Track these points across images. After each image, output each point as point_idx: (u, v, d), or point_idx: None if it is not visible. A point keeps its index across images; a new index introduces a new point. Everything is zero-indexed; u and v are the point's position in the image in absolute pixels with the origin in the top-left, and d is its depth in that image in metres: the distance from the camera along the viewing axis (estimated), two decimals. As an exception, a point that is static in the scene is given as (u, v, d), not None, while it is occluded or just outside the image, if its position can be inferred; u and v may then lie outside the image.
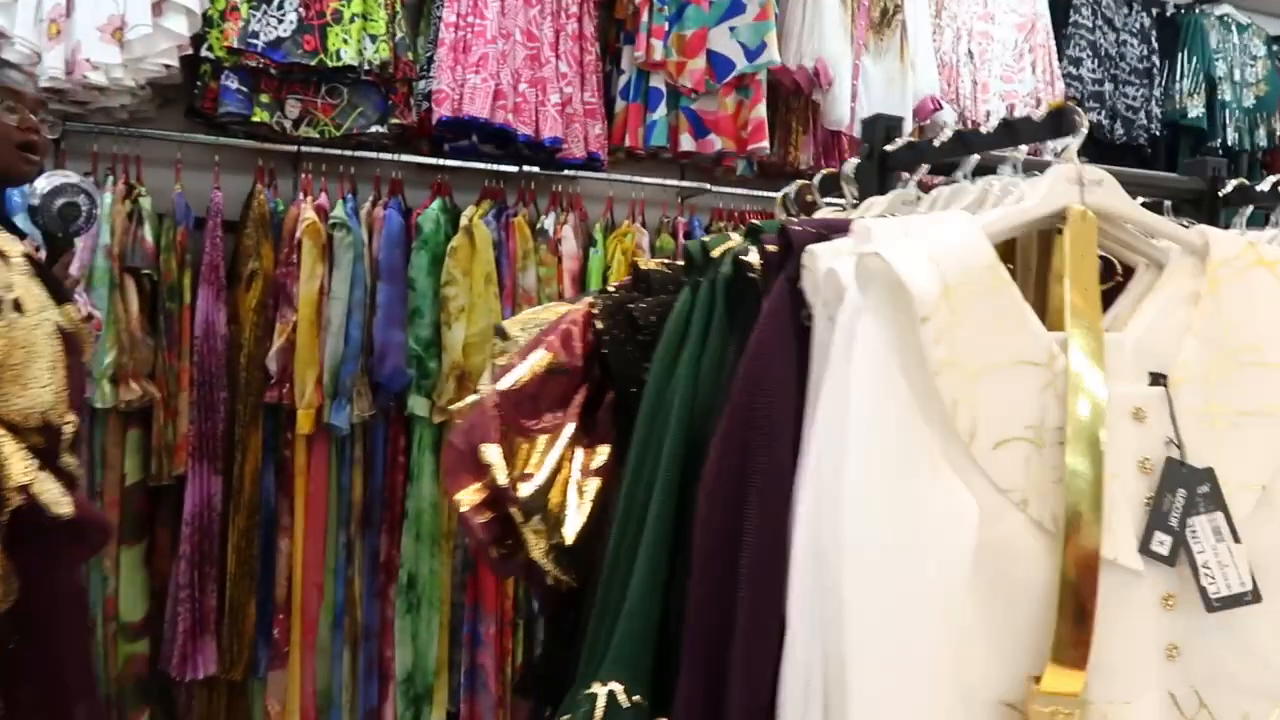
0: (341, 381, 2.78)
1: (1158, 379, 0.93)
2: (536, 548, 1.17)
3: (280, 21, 2.77)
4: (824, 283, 0.91)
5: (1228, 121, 4.03)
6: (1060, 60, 3.80)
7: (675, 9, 3.26)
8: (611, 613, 1.10)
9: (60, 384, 1.61)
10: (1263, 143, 4.13)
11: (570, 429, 1.23)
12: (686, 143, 3.32)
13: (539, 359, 1.25)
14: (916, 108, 3.48)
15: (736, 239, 1.16)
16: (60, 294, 1.72)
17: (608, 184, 3.33)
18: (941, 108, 3.50)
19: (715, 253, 1.15)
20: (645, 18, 3.21)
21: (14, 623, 1.52)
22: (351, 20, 2.80)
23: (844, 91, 3.38)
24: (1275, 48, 4.30)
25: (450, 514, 2.90)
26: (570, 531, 1.19)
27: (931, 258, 0.84)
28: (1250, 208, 1.42)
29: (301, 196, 2.86)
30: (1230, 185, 1.43)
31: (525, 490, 1.17)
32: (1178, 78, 4.01)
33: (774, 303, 0.96)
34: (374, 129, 2.91)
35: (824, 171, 1.39)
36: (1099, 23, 3.86)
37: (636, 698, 1.02)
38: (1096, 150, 3.87)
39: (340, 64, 2.78)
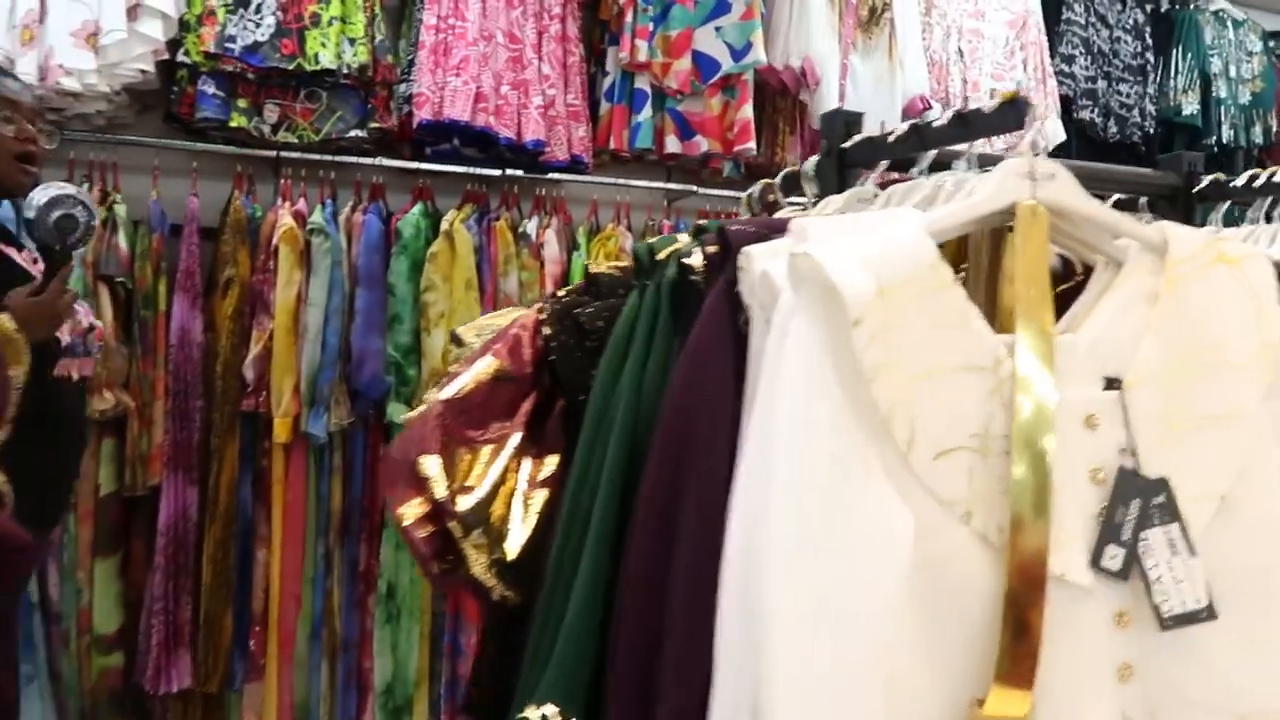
0: (319, 389, 2.74)
1: (1112, 383, 0.88)
2: (477, 563, 1.13)
3: (258, 26, 2.73)
4: (759, 285, 0.87)
5: (1223, 118, 3.98)
6: (1053, 57, 3.75)
7: (660, 9, 3.22)
8: (551, 630, 1.05)
9: None
10: (1259, 140, 4.07)
11: (516, 439, 1.19)
12: (672, 144, 3.28)
13: (484, 366, 1.21)
14: (906, 107, 3.43)
15: (683, 240, 1.12)
16: None
17: (592, 187, 3.28)
18: (931, 106, 3.45)
19: (661, 255, 1.10)
20: (630, 18, 3.17)
21: None
22: (330, 23, 2.77)
23: (832, 91, 3.33)
24: (1271, 43, 4.24)
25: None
26: (513, 546, 1.14)
27: (866, 258, 0.80)
28: (1227, 203, 1.37)
29: (280, 202, 2.82)
30: (1205, 181, 1.38)
31: (465, 504, 1.12)
32: (1172, 74, 3.96)
33: (711, 306, 0.92)
34: (353, 133, 2.88)
35: (786, 170, 1.35)
36: (1092, 19, 3.81)
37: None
38: (1090, 148, 3.82)
39: (318, 68, 2.75)
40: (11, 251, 1.92)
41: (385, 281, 2.85)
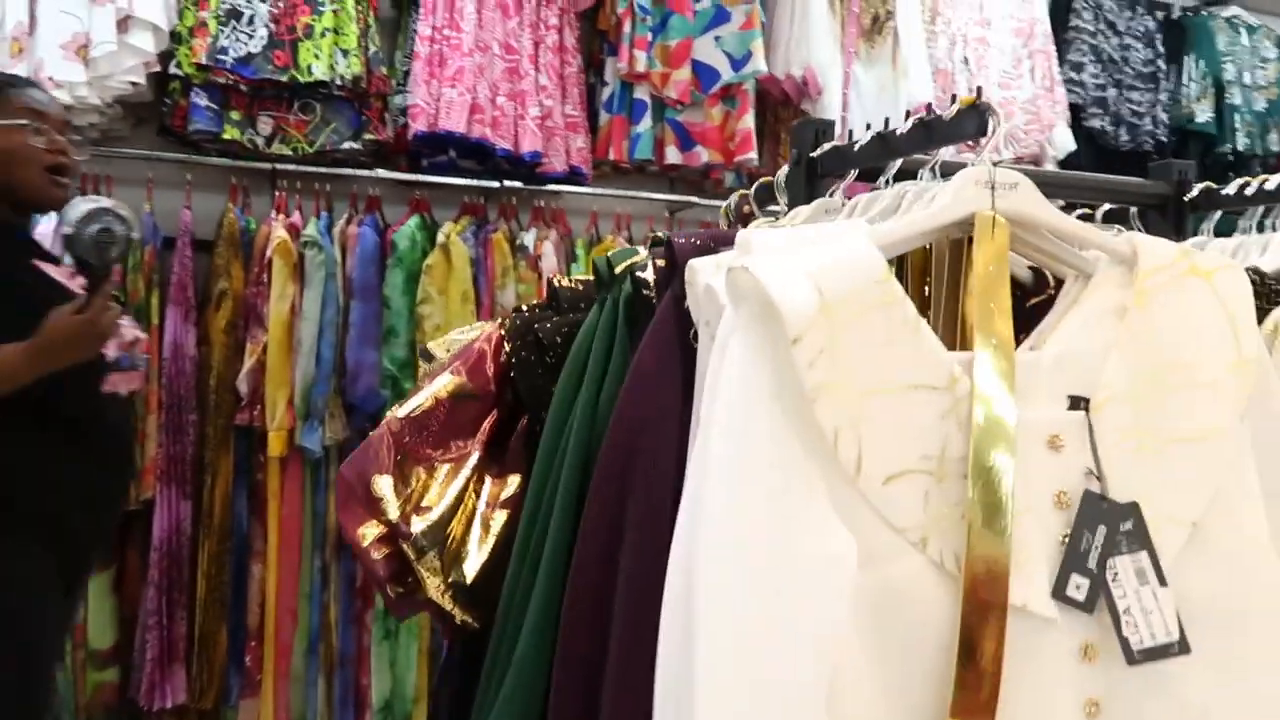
0: (313, 403, 2.72)
1: (1078, 402, 0.83)
2: (433, 586, 1.10)
3: (250, 37, 2.72)
4: (704, 299, 0.83)
5: (1238, 126, 3.90)
6: (1061, 65, 3.69)
7: (659, 19, 3.19)
8: (503, 661, 1.02)
9: None
10: (1275, 147, 3.99)
11: (474, 458, 1.16)
12: (672, 155, 3.24)
13: (443, 384, 1.18)
14: (910, 116, 3.38)
15: (642, 253, 1.08)
16: None
17: (592, 199, 3.25)
18: (936, 116, 3.40)
19: (619, 268, 1.07)
20: (628, 28, 3.14)
21: None
22: (322, 35, 2.75)
23: (834, 100, 3.29)
24: (1287, 49, 4.16)
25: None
26: (471, 569, 1.11)
27: (809, 272, 0.76)
28: (1219, 213, 1.33)
29: (274, 215, 2.81)
30: (1196, 189, 1.34)
31: (418, 525, 1.09)
32: (1185, 82, 3.89)
33: (656, 323, 0.89)
34: (347, 145, 2.86)
35: (760, 180, 1.31)
36: (1101, 26, 3.75)
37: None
38: (1101, 157, 3.76)
39: (312, 79, 2.74)
40: (49, 268, 1.86)
41: (380, 294, 2.83)
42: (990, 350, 0.82)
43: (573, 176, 3.13)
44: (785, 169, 1.24)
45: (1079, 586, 0.80)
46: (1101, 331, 0.85)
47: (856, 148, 1.07)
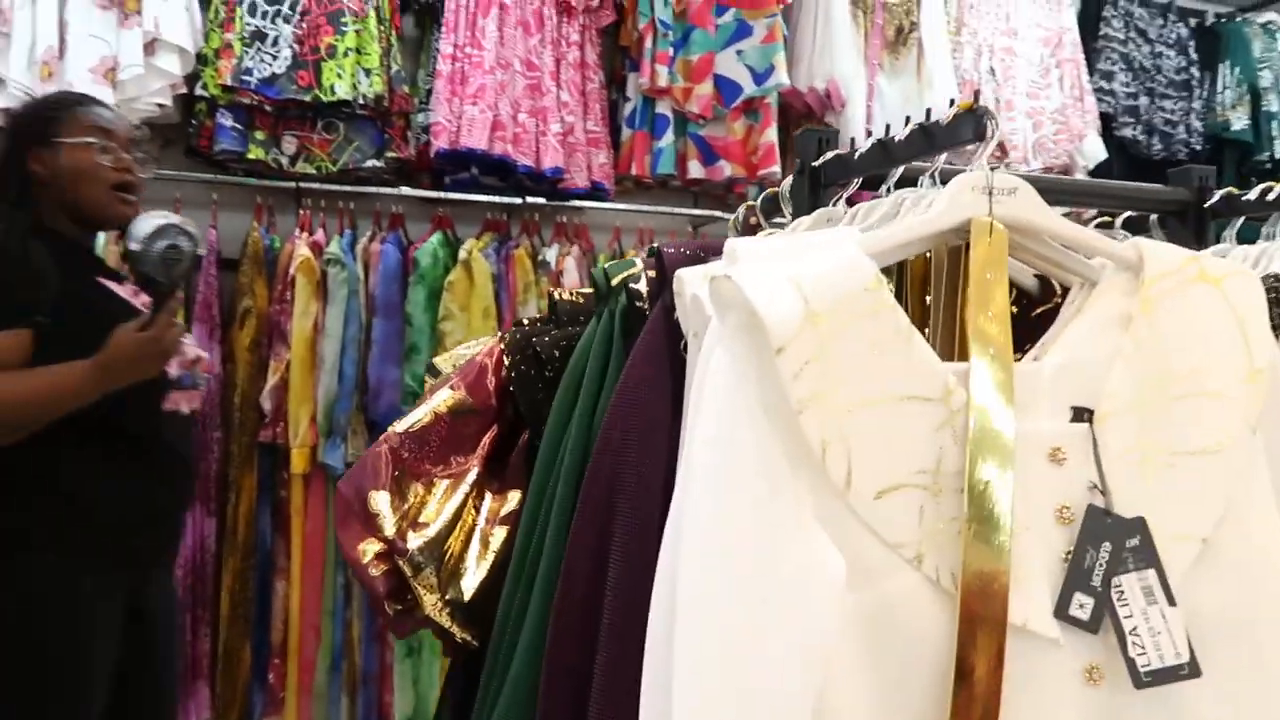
0: (336, 420, 2.73)
1: (1081, 414, 0.80)
2: (429, 603, 1.08)
3: (274, 58, 2.75)
4: (691, 309, 0.81)
5: (1275, 133, 3.82)
6: (1091, 75, 3.64)
7: (681, 34, 3.18)
8: (498, 677, 1.00)
9: None
10: (1313, 155, 3.91)
11: (473, 473, 1.15)
12: (695, 170, 3.23)
13: (441, 399, 1.17)
14: (936, 128, 3.35)
15: (639, 265, 1.07)
16: None
17: (616, 214, 3.25)
18: (962, 127, 3.36)
19: (615, 280, 1.05)
20: (649, 44, 3.14)
21: None
22: (345, 55, 2.77)
23: (858, 113, 3.26)
24: (1325, 55, 4.07)
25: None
26: (469, 586, 1.10)
27: (795, 280, 0.74)
28: (1240, 219, 1.29)
29: (298, 233, 2.83)
30: (1217, 196, 1.30)
31: (414, 541, 1.08)
32: (1220, 89, 3.82)
33: (646, 334, 0.87)
34: (370, 163, 2.88)
35: (767, 191, 1.29)
36: (1131, 34, 3.70)
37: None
38: (1133, 166, 3.70)
39: (335, 99, 2.76)
40: (113, 285, 1.86)
41: (403, 311, 2.84)
42: (987, 360, 0.79)
43: (595, 192, 3.13)
44: (789, 179, 1.22)
45: (1083, 605, 0.77)
46: (1106, 340, 0.82)
47: (858, 156, 1.05)
